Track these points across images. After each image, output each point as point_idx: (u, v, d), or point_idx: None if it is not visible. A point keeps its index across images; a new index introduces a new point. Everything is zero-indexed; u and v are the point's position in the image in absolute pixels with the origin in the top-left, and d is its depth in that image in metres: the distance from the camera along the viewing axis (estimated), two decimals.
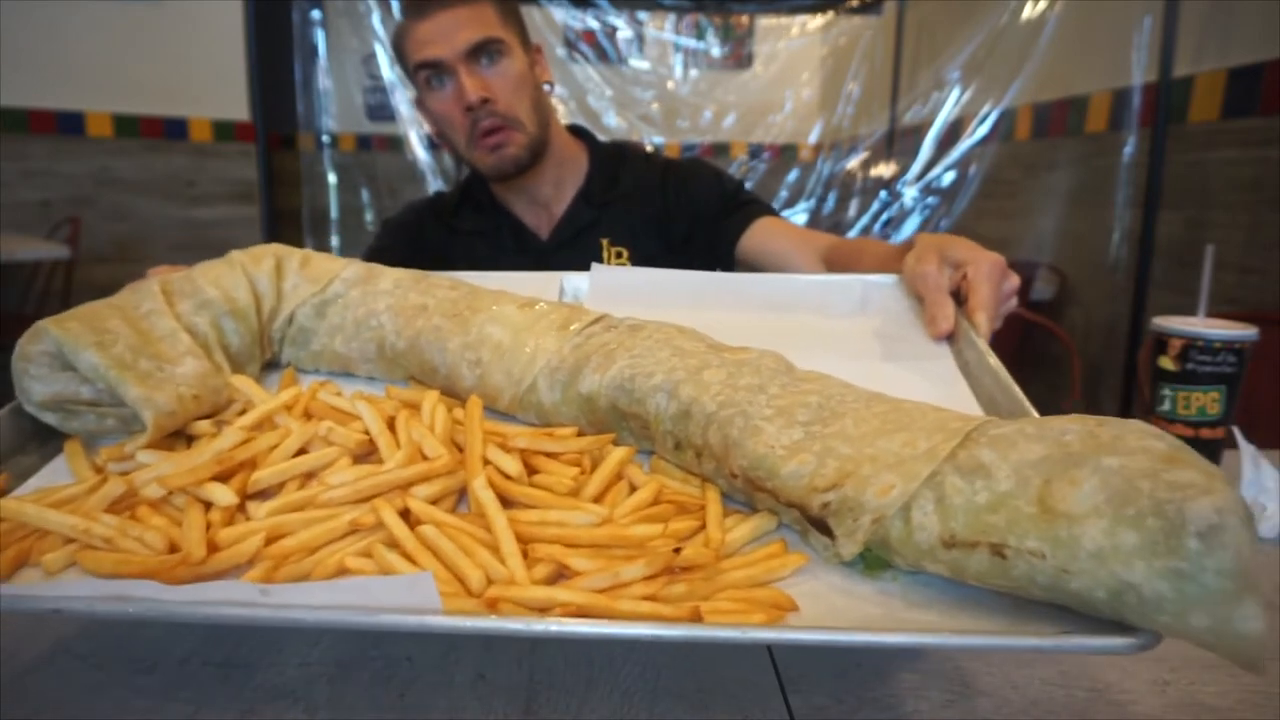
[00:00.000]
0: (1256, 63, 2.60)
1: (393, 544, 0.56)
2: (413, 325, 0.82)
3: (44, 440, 0.73)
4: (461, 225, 1.56)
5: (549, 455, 0.66)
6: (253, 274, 0.86)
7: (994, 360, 0.75)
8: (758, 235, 1.44)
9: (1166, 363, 1.03)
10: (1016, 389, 0.69)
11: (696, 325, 0.78)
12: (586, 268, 1.02)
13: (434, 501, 0.60)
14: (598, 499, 0.62)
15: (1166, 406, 1.04)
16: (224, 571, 0.55)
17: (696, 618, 0.48)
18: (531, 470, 0.65)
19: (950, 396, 0.74)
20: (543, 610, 0.49)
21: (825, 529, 0.55)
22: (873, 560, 0.55)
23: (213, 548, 0.56)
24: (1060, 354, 2.86)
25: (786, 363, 0.70)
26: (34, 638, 0.67)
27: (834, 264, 1.29)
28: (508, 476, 0.63)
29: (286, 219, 4.66)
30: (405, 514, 0.59)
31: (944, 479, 0.52)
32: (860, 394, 0.64)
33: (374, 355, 0.85)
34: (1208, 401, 1.02)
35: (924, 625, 0.50)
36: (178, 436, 0.72)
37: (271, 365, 0.90)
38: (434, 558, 0.54)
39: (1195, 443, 1.03)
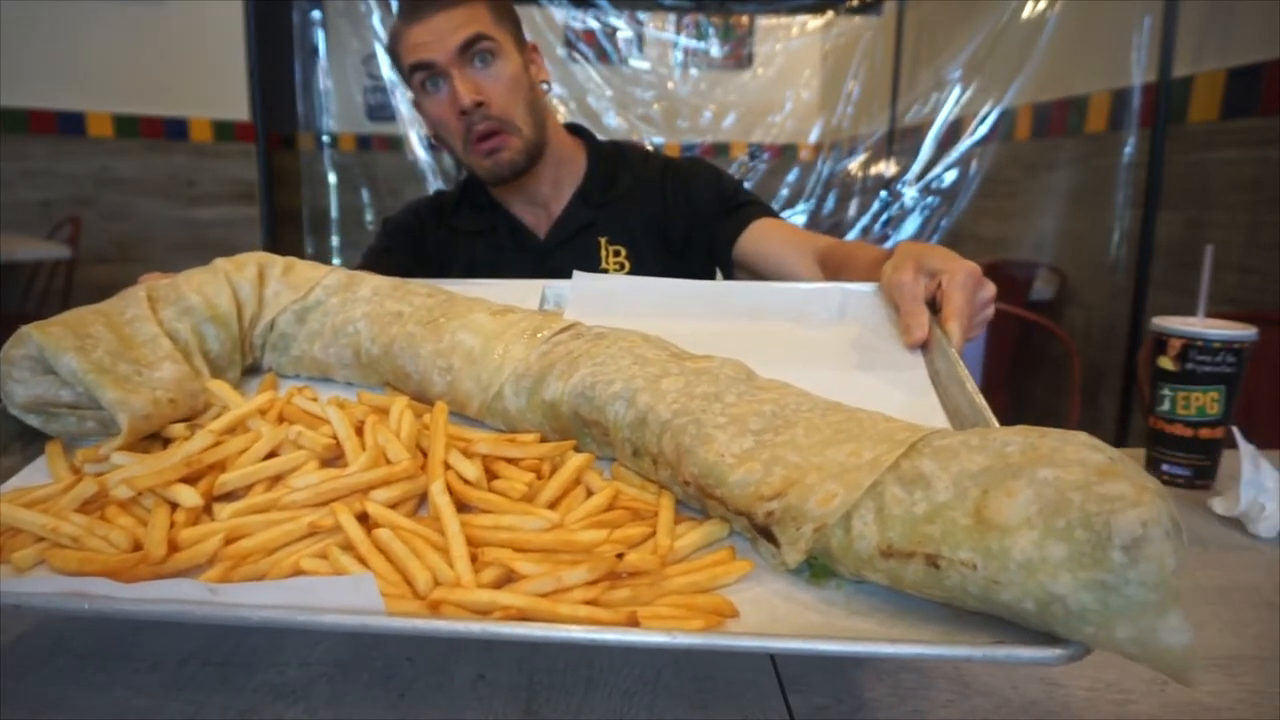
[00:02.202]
0: (1256, 63, 2.59)
1: (348, 546, 0.57)
2: (387, 332, 0.83)
3: (28, 441, 0.75)
4: (461, 225, 1.56)
5: (510, 461, 0.67)
6: (235, 281, 0.88)
7: (963, 370, 0.75)
8: (755, 236, 1.44)
9: (1166, 363, 1.03)
10: (981, 400, 0.69)
11: (675, 333, 0.78)
12: (585, 267, 1.02)
13: (394, 505, 0.62)
14: (553, 504, 0.63)
15: (1166, 406, 1.04)
16: (184, 570, 0.56)
17: (633, 622, 0.48)
18: (492, 476, 0.66)
19: (920, 406, 0.75)
20: (484, 613, 0.50)
21: (770, 537, 0.56)
22: (819, 569, 0.55)
23: (174, 547, 0.57)
24: (1060, 354, 2.86)
25: (747, 371, 0.70)
26: (34, 638, 0.67)
27: (828, 267, 1.30)
28: (467, 481, 0.64)
29: (287, 219, 4.67)
30: (365, 517, 0.60)
31: (885, 489, 0.53)
32: (817, 403, 0.65)
33: (350, 361, 0.86)
34: (1207, 401, 1.02)
35: (862, 633, 0.51)
36: (155, 440, 0.74)
37: (253, 370, 0.91)
38: (385, 560, 0.55)
39: (1195, 442, 1.03)
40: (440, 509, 0.59)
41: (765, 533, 0.56)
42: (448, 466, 0.65)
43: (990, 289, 0.90)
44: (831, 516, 0.53)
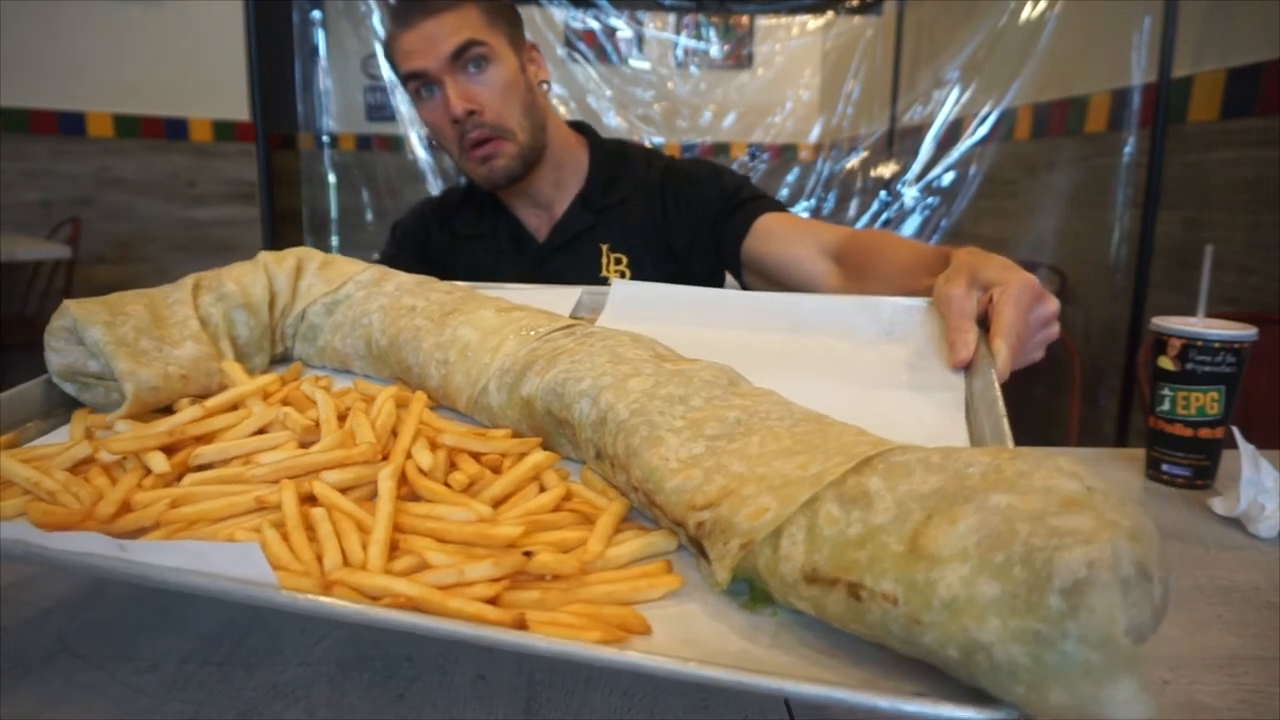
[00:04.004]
0: (1256, 63, 2.59)
1: (280, 522, 0.57)
2: (396, 324, 0.85)
3: (70, 408, 0.80)
4: (462, 229, 1.55)
5: (474, 454, 0.67)
6: (273, 272, 0.92)
7: (996, 391, 0.69)
8: (761, 234, 1.38)
9: (1166, 363, 1.03)
10: (1005, 426, 0.64)
11: (713, 343, 0.75)
12: (584, 273, 1.01)
13: (349, 488, 0.61)
14: (502, 500, 0.61)
15: (1166, 406, 1.04)
16: (130, 531, 0.58)
17: (520, 625, 0.46)
18: (454, 468, 0.66)
19: (949, 429, 0.70)
20: (376, 598, 0.49)
21: (703, 551, 0.51)
22: (758, 593, 0.50)
23: (127, 508, 0.59)
24: (1060, 354, 2.85)
25: (730, 376, 0.67)
26: (35, 637, 0.67)
27: (846, 261, 1.24)
28: (423, 471, 0.64)
29: (287, 219, 4.66)
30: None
31: (821, 506, 0.47)
32: (794, 414, 0.60)
33: (364, 352, 0.89)
34: (1207, 401, 1.02)
35: (776, 668, 0.45)
36: (167, 413, 0.76)
37: (284, 360, 0.95)
38: (305, 537, 0.55)
39: (1195, 442, 1.03)
40: (380, 494, 0.58)
41: (698, 546, 0.52)
42: (411, 455, 0.65)
43: (1051, 305, 0.82)
44: (760, 532, 0.47)
